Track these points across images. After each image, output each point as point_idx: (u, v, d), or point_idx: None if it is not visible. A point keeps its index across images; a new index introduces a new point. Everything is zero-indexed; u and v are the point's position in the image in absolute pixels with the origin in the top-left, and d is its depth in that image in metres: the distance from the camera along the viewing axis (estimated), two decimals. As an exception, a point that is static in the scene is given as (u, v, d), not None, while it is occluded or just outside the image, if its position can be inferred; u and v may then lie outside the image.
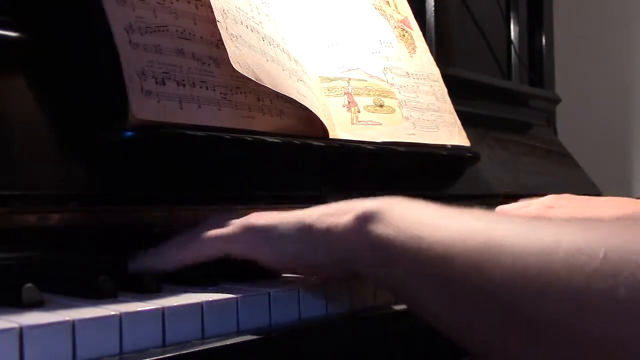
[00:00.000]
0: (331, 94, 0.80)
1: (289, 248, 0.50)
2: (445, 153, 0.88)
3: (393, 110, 0.83)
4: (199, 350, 0.41)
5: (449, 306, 0.42)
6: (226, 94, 0.63)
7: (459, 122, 0.93)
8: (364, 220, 0.46)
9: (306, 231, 0.50)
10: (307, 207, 0.52)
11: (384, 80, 0.85)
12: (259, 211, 0.55)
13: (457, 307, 0.41)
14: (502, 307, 0.38)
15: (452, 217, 0.43)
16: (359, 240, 0.46)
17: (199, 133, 0.60)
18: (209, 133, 0.60)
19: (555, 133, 1.48)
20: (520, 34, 1.43)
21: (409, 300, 0.47)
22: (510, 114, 1.30)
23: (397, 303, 0.56)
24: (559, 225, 0.39)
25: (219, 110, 0.62)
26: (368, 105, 0.81)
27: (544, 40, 1.50)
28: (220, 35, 0.62)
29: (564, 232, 0.38)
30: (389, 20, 0.91)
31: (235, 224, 0.53)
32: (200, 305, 0.44)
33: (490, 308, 0.39)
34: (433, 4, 1.13)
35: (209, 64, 0.63)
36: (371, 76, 0.84)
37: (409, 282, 0.44)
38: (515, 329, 0.38)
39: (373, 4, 0.91)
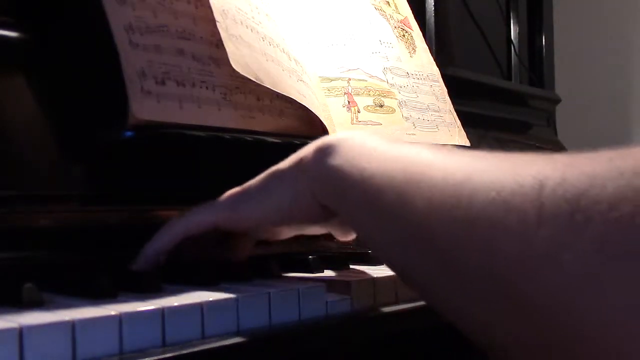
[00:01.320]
0: (331, 94, 0.80)
1: (263, 201, 0.52)
2: (445, 153, 0.88)
3: (393, 111, 0.83)
4: (199, 350, 0.41)
5: (385, 237, 0.42)
6: (226, 94, 0.63)
7: (459, 122, 0.93)
8: (322, 152, 0.48)
9: (274, 177, 0.52)
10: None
11: (384, 81, 0.85)
12: None
13: (390, 239, 0.41)
14: (424, 240, 0.38)
15: (398, 149, 0.43)
16: (317, 170, 0.48)
17: (199, 133, 0.60)
18: (209, 133, 0.61)
19: (555, 133, 1.48)
20: (520, 34, 1.43)
21: (359, 233, 0.48)
22: (510, 114, 1.30)
23: (397, 303, 0.56)
24: (486, 157, 0.38)
25: (219, 110, 0.62)
26: (368, 105, 0.81)
27: (544, 40, 1.50)
28: (220, 35, 0.62)
29: (484, 164, 0.37)
30: (389, 21, 0.91)
31: (216, 199, 0.54)
32: (200, 305, 0.44)
33: (417, 242, 0.39)
34: (433, 4, 1.13)
35: (209, 64, 0.63)
36: (371, 76, 0.84)
37: (355, 213, 0.45)
38: (440, 266, 0.38)
39: (373, 4, 0.91)
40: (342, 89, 0.81)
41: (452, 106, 0.93)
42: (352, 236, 0.61)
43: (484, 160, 0.38)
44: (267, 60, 0.68)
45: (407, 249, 0.40)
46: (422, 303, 0.52)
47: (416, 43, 0.93)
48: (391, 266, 0.45)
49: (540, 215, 0.32)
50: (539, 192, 0.33)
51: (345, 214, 0.47)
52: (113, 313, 0.40)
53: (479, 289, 0.35)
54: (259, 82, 0.64)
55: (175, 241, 0.54)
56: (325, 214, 0.51)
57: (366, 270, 0.61)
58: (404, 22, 0.93)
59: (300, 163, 0.50)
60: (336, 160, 0.46)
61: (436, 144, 0.44)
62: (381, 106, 0.83)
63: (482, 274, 0.35)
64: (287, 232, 0.58)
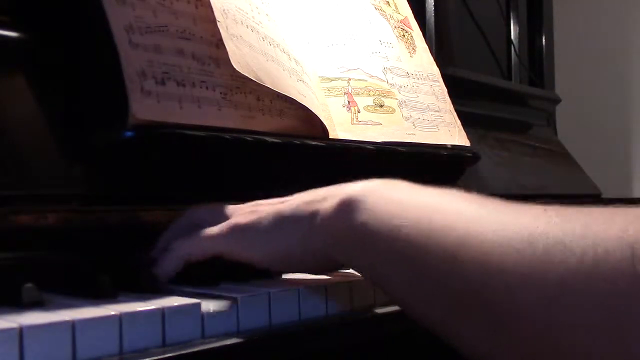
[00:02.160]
0: (331, 94, 0.80)
1: (271, 243, 0.50)
2: (445, 153, 0.88)
3: (393, 110, 0.83)
4: (199, 350, 0.41)
5: (422, 298, 0.43)
6: (226, 94, 0.63)
7: (459, 122, 0.93)
8: (346, 207, 0.46)
9: (287, 222, 0.50)
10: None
11: (384, 80, 0.85)
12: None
13: (429, 299, 0.42)
14: (473, 304, 0.39)
15: (435, 206, 0.44)
16: (342, 226, 0.46)
17: (199, 133, 0.60)
18: (209, 133, 0.60)
19: (555, 133, 1.48)
20: (520, 34, 1.43)
21: (387, 289, 0.47)
22: (510, 114, 1.30)
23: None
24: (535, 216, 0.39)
25: (219, 110, 0.62)
26: (368, 105, 0.81)
27: (544, 40, 1.50)
28: (220, 35, 0.62)
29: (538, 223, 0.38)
30: (389, 21, 0.91)
31: (223, 225, 0.52)
32: (200, 305, 0.44)
33: (469, 307, 0.39)
34: (433, 4, 1.13)
35: (209, 64, 0.63)
36: (371, 76, 0.84)
37: (385, 270, 0.45)
38: (484, 322, 0.39)
39: (373, 4, 0.91)
40: (342, 89, 0.81)
41: (452, 106, 0.93)
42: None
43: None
44: (267, 60, 0.68)
45: (455, 313, 0.41)
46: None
47: (416, 43, 0.93)
48: (419, 318, 0.44)
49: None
50: (631, 258, 0.33)
51: (372, 270, 0.46)
52: (113, 313, 0.40)
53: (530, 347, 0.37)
54: (259, 82, 0.64)
55: (179, 268, 0.52)
56: (335, 266, 0.51)
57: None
58: (404, 22, 0.93)
59: (317, 214, 0.48)
60: (362, 217, 0.45)
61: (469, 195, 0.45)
62: (381, 106, 0.83)
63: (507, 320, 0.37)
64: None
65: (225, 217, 0.53)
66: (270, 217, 0.50)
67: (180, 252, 0.52)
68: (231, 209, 0.54)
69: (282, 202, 0.51)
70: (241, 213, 0.53)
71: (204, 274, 0.52)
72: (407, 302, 0.44)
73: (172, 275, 0.52)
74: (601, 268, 0.33)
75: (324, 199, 0.48)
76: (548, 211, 0.38)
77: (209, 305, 0.44)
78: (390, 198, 0.45)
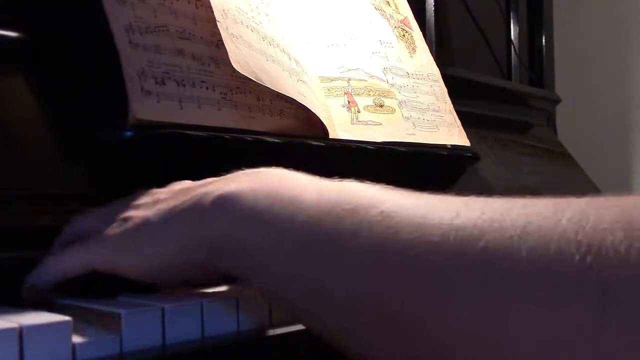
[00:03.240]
0: (331, 94, 0.80)
1: (146, 256, 0.45)
2: (445, 153, 0.88)
3: (393, 110, 0.83)
4: (199, 350, 0.41)
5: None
6: (226, 94, 0.63)
7: (459, 122, 0.93)
8: (224, 204, 0.42)
9: (159, 232, 0.45)
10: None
11: (384, 80, 0.85)
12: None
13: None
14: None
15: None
16: (219, 229, 0.42)
17: (199, 133, 0.60)
18: (209, 133, 0.60)
19: (555, 133, 1.48)
20: (520, 34, 1.43)
21: (268, 293, 0.42)
22: (510, 114, 1.30)
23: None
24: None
25: (219, 110, 0.62)
26: (368, 105, 0.81)
27: (544, 40, 1.51)
28: (220, 35, 0.62)
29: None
30: (389, 21, 0.91)
31: (93, 238, 0.47)
32: (200, 305, 0.44)
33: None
34: (433, 4, 1.13)
35: (209, 64, 0.63)
36: (371, 76, 0.84)
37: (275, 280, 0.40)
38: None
39: (373, 4, 0.91)
40: (342, 89, 0.81)
41: (452, 106, 0.93)
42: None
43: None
44: (267, 60, 0.68)
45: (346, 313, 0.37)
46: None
47: (416, 43, 0.93)
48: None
49: None
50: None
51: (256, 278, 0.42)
52: (114, 311, 0.40)
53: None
54: (259, 82, 0.64)
55: (51, 285, 0.47)
56: (218, 276, 0.47)
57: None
58: (404, 22, 0.93)
59: (190, 219, 0.43)
60: (239, 217, 0.41)
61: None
62: (381, 106, 0.83)
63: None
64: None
65: (105, 225, 0.48)
66: (140, 228, 0.46)
67: (50, 270, 0.48)
68: (111, 212, 0.49)
69: (155, 204, 0.47)
70: (116, 221, 0.47)
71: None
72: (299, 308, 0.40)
73: (45, 290, 0.47)
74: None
75: (198, 198, 0.44)
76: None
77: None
78: (272, 191, 0.41)
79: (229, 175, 0.45)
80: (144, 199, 0.48)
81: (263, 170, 0.44)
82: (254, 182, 0.43)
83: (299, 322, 0.41)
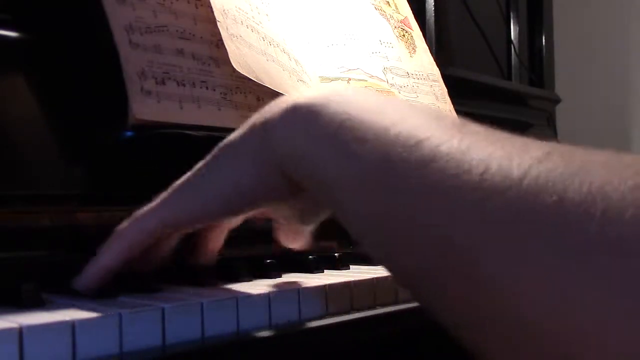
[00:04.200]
0: (331, 94, 0.80)
1: (219, 182, 0.43)
2: (445, 153, 0.88)
3: (393, 110, 0.83)
4: (199, 350, 0.41)
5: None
6: (226, 94, 0.63)
7: (459, 122, 0.92)
8: (297, 117, 0.40)
9: (230, 150, 0.43)
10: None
11: (384, 81, 0.85)
12: None
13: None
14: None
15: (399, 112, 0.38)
16: (291, 141, 0.40)
17: (199, 133, 0.60)
18: (209, 133, 0.60)
19: (555, 133, 1.48)
20: (520, 34, 1.43)
21: (339, 213, 0.40)
22: (510, 114, 1.30)
23: (397, 303, 0.56)
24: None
25: (219, 110, 0.62)
26: (368, 105, 0.81)
27: (544, 40, 1.51)
28: (220, 35, 0.62)
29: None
30: (389, 21, 0.91)
31: (155, 201, 0.46)
32: (200, 305, 0.44)
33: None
34: (433, 4, 1.13)
35: (209, 64, 0.63)
36: (371, 76, 0.84)
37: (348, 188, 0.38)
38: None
39: (373, 4, 0.91)
40: (342, 89, 0.81)
41: (452, 106, 0.93)
42: (301, 242, 0.54)
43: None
44: (267, 60, 0.68)
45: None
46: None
47: (416, 43, 0.93)
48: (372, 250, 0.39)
49: None
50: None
51: (324, 192, 0.39)
52: (113, 313, 0.40)
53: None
54: (259, 82, 0.64)
55: (120, 259, 0.45)
56: (292, 190, 0.43)
57: (367, 270, 0.61)
58: (404, 22, 0.93)
59: (262, 129, 0.41)
60: (320, 130, 0.38)
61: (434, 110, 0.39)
62: (381, 106, 0.83)
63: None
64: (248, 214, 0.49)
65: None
66: (209, 156, 0.45)
67: (117, 243, 0.46)
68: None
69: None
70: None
71: (204, 274, 0.52)
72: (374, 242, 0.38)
73: (111, 270, 0.45)
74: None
75: (271, 109, 0.42)
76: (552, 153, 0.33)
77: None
78: (348, 110, 0.38)
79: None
80: None
81: (340, 86, 0.42)
82: (331, 96, 0.40)
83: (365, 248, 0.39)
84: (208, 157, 0.45)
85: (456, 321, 0.34)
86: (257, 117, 0.43)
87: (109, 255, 0.45)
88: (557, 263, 0.29)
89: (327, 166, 0.38)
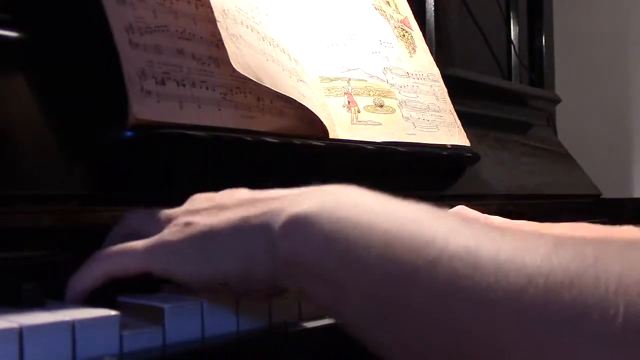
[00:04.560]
0: (331, 94, 0.80)
1: (207, 266, 0.44)
2: (445, 153, 0.88)
3: (393, 111, 0.83)
4: (199, 350, 0.41)
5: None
6: (226, 94, 0.63)
7: (459, 122, 0.93)
8: (293, 231, 0.41)
9: (225, 243, 0.44)
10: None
11: (384, 81, 0.85)
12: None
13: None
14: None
15: (384, 216, 0.39)
16: (291, 252, 0.41)
17: (199, 133, 0.60)
18: (209, 133, 0.60)
19: (555, 133, 1.48)
20: (520, 34, 1.43)
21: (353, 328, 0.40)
22: (510, 114, 1.30)
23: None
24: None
25: (219, 110, 0.62)
26: (368, 105, 0.81)
27: (544, 40, 1.50)
28: (220, 35, 0.62)
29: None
30: (389, 21, 0.91)
31: (151, 239, 0.46)
32: (200, 305, 0.44)
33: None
34: (433, 4, 1.13)
35: (209, 64, 0.63)
36: (371, 76, 0.84)
37: (353, 310, 0.39)
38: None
39: (373, 4, 0.91)
40: (342, 89, 0.81)
41: (452, 106, 0.93)
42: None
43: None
44: (267, 60, 0.68)
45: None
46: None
47: (416, 43, 0.93)
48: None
49: None
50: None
51: (317, 296, 0.41)
52: (113, 313, 0.40)
53: None
54: (259, 82, 0.64)
55: (97, 284, 0.46)
56: (280, 293, 0.46)
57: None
58: (404, 22, 0.93)
59: (259, 236, 0.42)
60: (313, 243, 0.39)
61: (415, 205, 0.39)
62: (381, 106, 0.83)
63: None
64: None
65: (160, 227, 0.47)
66: (206, 235, 0.44)
67: (97, 268, 0.47)
68: (168, 215, 0.48)
69: (219, 211, 0.45)
70: (175, 224, 0.46)
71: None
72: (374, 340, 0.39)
73: (88, 290, 0.46)
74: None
75: (270, 213, 0.42)
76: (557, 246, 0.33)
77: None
78: (347, 215, 0.39)
79: (298, 191, 0.44)
80: (204, 204, 0.47)
81: (334, 189, 0.43)
82: (326, 203, 0.41)
83: (369, 343, 0.40)
84: (206, 238, 0.44)
85: None
86: (260, 222, 0.43)
87: (84, 280, 0.47)
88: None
89: (332, 273, 0.39)
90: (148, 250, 0.46)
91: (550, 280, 0.30)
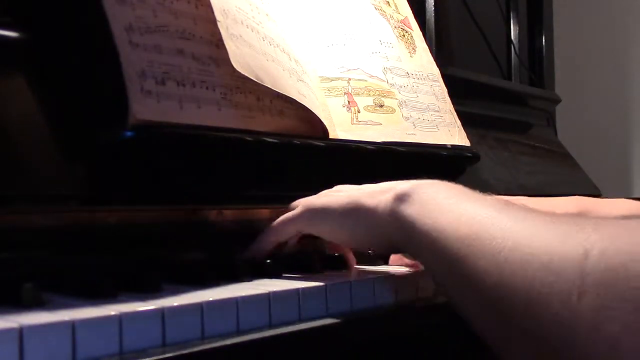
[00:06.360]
0: (331, 94, 0.80)
1: (342, 225, 0.58)
2: (445, 153, 0.88)
3: (393, 110, 0.83)
4: (199, 350, 0.41)
5: (445, 280, 0.48)
6: (226, 94, 0.63)
7: (459, 122, 0.93)
8: (398, 200, 0.53)
9: (354, 210, 0.57)
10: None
11: (384, 80, 0.85)
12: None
13: (451, 282, 0.47)
14: (479, 291, 0.43)
15: (464, 206, 0.48)
16: (392, 217, 0.53)
17: (199, 133, 0.60)
18: (209, 133, 0.60)
19: (555, 133, 1.48)
20: (520, 34, 1.43)
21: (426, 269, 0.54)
22: (510, 114, 1.30)
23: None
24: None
25: (219, 110, 0.62)
26: (368, 105, 0.81)
27: (544, 40, 1.50)
28: (221, 35, 0.62)
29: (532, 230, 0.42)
30: (389, 21, 0.91)
31: (299, 207, 0.61)
32: (200, 305, 0.44)
33: (472, 291, 0.44)
34: (433, 4, 1.13)
35: (209, 64, 0.63)
36: (371, 76, 0.84)
37: (423, 257, 0.52)
38: (489, 311, 0.43)
39: (373, 4, 0.91)
40: (342, 89, 0.81)
41: (452, 106, 0.93)
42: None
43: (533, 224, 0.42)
44: (267, 60, 0.68)
45: (463, 292, 0.46)
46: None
47: (416, 43, 0.93)
48: (448, 297, 0.50)
49: (583, 284, 0.36)
50: (583, 262, 0.37)
51: (414, 255, 0.56)
52: (113, 313, 0.40)
53: (519, 341, 0.40)
54: (259, 82, 0.64)
55: (270, 248, 0.62)
56: (393, 249, 0.60)
57: (368, 269, 0.64)
58: (404, 22, 0.93)
59: (377, 207, 0.55)
60: (409, 211, 0.52)
61: (501, 199, 0.50)
62: (381, 106, 0.83)
63: (524, 328, 0.39)
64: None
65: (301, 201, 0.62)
66: (341, 203, 0.58)
67: (269, 237, 0.61)
68: (322, 193, 0.62)
69: (357, 189, 0.59)
70: (321, 195, 0.61)
71: (204, 274, 0.52)
72: (453, 299, 0.48)
73: (264, 256, 0.60)
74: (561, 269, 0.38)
75: (384, 192, 0.55)
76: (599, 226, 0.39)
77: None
78: (433, 195, 0.51)
79: (399, 182, 0.55)
80: (347, 186, 0.62)
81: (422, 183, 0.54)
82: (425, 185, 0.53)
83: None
84: (342, 205, 0.58)
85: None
86: (379, 193, 0.56)
87: (261, 247, 0.62)
88: None
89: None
90: (298, 214, 0.60)
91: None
